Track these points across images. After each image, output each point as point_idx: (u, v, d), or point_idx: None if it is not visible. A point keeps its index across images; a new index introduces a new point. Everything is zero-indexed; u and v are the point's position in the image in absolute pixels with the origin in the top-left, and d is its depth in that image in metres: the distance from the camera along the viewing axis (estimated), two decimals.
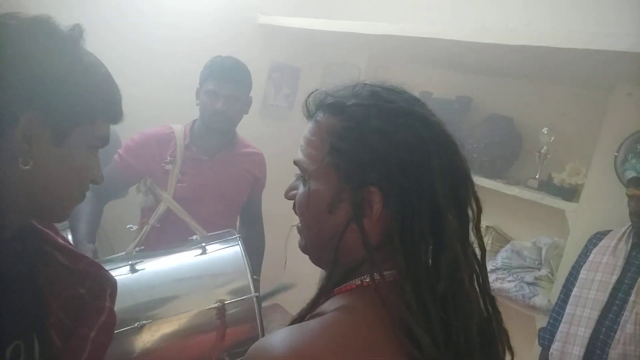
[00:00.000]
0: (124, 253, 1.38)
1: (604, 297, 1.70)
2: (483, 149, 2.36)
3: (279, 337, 0.53)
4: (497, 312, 0.62)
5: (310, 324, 0.55)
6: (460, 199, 0.59)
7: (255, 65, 2.90)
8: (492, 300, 0.62)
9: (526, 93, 2.40)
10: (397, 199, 0.56)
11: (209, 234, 1.47)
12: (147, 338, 1.16)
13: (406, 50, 2.58)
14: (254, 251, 1.83)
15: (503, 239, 2.38)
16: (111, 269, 1.22)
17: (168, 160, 1.62)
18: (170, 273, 1.31)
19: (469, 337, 0.55)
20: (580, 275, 1.79)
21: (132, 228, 1.66)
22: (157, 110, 2.11)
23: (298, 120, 2.18)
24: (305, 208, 0.62)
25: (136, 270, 1.26)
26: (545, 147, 2.20)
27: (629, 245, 1.71)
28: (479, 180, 2.31)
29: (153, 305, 1.20)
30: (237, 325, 1.23)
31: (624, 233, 1.74)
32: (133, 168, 1.64)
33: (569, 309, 1.78)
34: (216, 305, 1.21)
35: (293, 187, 0.66)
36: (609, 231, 1.81)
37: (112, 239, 1.92)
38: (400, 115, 0.58)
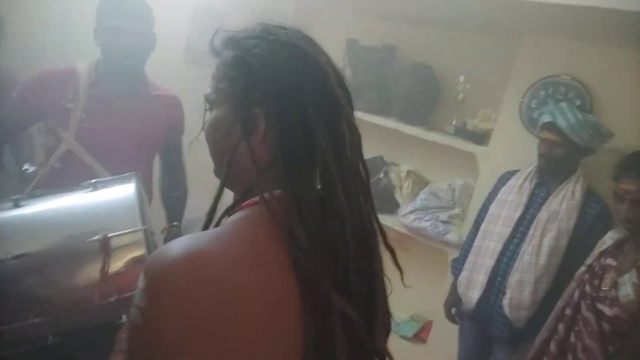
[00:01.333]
0: (19, 195, 1.25)
1: (507, 231, 1.85)
2: (406, 96, 2.42)
3: (175, 242, 0.58)
4: (373, 222, 0.69)
5: (207, 232, 0.61)
6: (331, 123, 0.64)
7: (178, 9, 2.75)
8: (370, 212, 0.69)
9: (445, 41, 2.46)
10: (276, 119, 0.63)
11: (105, 178, 1.36)
12: (19, 271, 1.08)
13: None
14: (175, 199, 1.79)
15: (422, 182, 2.50)
16: None
17: (70, 98, 1.50)
18: (55, 210, 1.21)
19: (344, 235, 0.63)
20: (489, 212, 1.92)
21: (28, 169, 1.55)
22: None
23: None
24: (208, 133, 0.70)
25: (19, 207, 1.18)
26: (461, 95, 2.29)
27: (533, 184, 1.86)
28: (401, 127, 2.38)
29: (31, 239, 1.12)
30: (124, 260, 1.14)
31: (529, 173, 1.87)
32: (32, 105, 1.51)
33: (476, 241, 1.92)
34: (98, 237, 1.11)
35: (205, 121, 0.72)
36: (516, 171, 1.94)
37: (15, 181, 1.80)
38: (281, 46, 0.65)
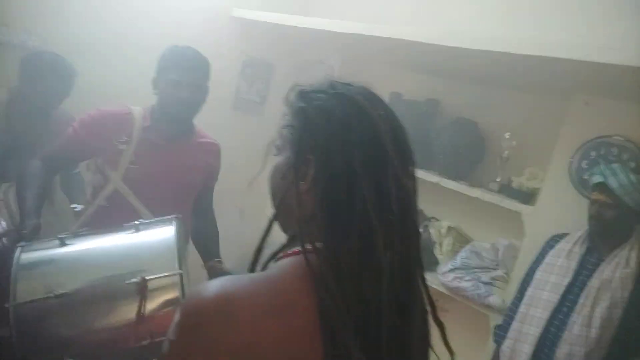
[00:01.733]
0: (66, 234, 1.29)
1: (555, 298, 1.73)
2: (449, 151, 2.38)
3: (214, 283, 0.61)
4: (417, 289, 0.67)
5: (244, 277, 0.64)
6: (379, 177, 0.64)
7: (228, 59, 2.89)
8: (412, 277, 0.66)
9: (490, 98, 2.43)
10: (323, 167, 0.65)
11: (151, 219, 1.40)
12: (58, 309, 1.10)
13: (379, 51, 2.59)
14: (210, 237, 1.81)
15: (464, 239, 2.41)
16: (42, 243, 1.21)
17: (123, 140, 1.57)
18: (98, 250, 1.26)
19: (379, 294, 0.61)
20: (535, 276, 1.82)
21: (76, 208, 1.62)
22: (130, 101, 2.07)
23: (269, 115, 2.18)
24: (270, 176, 0.74)
25: (65, 245, 1.21)
26: (506, 152, 2.23)
27: (584, 249, 1.75)
28: (443, 182, 2.34)
29: (74, 276, 1.15)
30: (159, 304, 1.16)
31: (579, 237, 1.78)
32: (85, 143, 1.59)
33: (522, 308, 1.81)
34: (136, 280, 1.12)
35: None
36: (565, 234, 1.85)
37: (63, 218, 1.86)
38: (339, 99, 0.69)
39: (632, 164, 1.80)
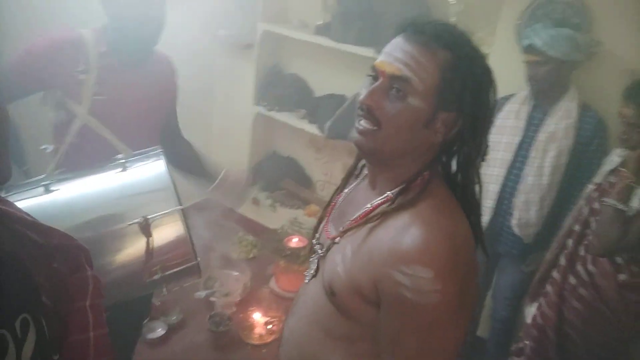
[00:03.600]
0: (43, 176, 1.25)
1: (509, 156, 1.94)
2: (395, 23, 2.37)
3: (444, 230, 0.74)
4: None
5: (452, 217, 0.78)
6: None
7: None
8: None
9: None
10: (473, 127, 0.79)
11: (134, 152, 1.37)
12: None
13: None
14: (194, 158, 1.77)
15: None
16: (24, 192, 1.17)
17: (81, 69, 1.42)
18: (89, 193, 1.23)
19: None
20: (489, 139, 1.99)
21: (47, 149, 1.51)
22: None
23: (198, 4, 1.94)
24: (403, 120, 0.77)
25: (50, 191, 1.18)
26: (454, 18, 2.27)
27: (530, 107, 1.92)
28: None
29: (73, 227, 1.12)
30: (165, 239, 1.21)
31: (525, 97, 1.93)
32: (36, 73, 1.42)
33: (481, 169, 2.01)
34: (138, 220, 1.16)
35: (381, 96, 0.77)
36: (510, 96, 1.99)
37: (30, 162, 1.75)
38: (484, 63, 0.79)
39: (577, 20, 1.91)
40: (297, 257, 2.54)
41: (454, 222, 0.77)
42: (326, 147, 3.05)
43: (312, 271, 0.93)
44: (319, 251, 0.92)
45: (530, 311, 1.80)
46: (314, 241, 0.96)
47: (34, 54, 1.42)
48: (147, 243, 1.16)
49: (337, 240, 0.86)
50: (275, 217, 3.04)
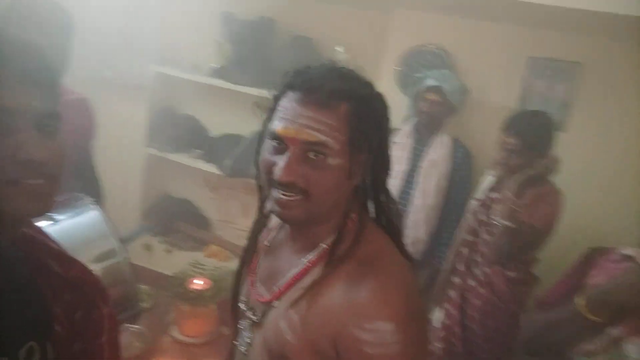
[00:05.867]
0: None
1: (399, 183, 2.24)
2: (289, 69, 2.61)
3: (398, 289, 0.75)
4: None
5: (402, 269, 0.81)
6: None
7: None
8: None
9: (322, 13, 2.69)
10: (379, 165, 0.84)
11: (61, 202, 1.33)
12: None
13: None
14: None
15: None
16: None
17: None
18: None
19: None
20: None
21: None
22: None
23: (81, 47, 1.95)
24: (330, 183, 0.77)
25: None
26: (342, 65, 2.57)
27: (413, 139, 2.27)
28: None
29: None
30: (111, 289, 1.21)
31: (409, 131, 2.28)
32: None
33: None
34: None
35: (299, 167, 0.76)
36: (396, 129, 2.31)
37: None
38: (378, 96, 0.84)
39: (444, 68, 2.32)
40: (202, 299, 2.51)
41: (399, 263, 0.80)
42: (222, 186, 3.12)
43: (247, 340, 0.89)
44: (252, 316, 0.88)
45: (438, 316, 2.05)
46: (242, 305, 0.92)
47: None
48: None
49: (275, 304, 0.83)
50: (172, 262, 2.98)
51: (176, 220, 3.16)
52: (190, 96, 3.08)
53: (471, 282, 1.97)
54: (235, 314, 0.94)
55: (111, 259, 1.20)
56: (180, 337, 2.54)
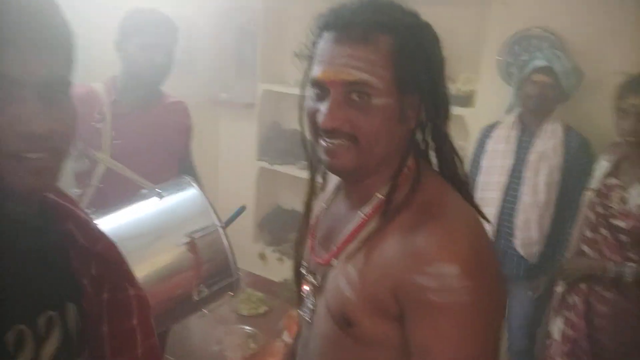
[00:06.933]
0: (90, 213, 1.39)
1: (505, 179, 2.08)
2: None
3: (465, 230, 0.70)
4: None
5: (467, 212, 0.75)
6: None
7: None
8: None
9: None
10: (434, 106, 0.76)
11: (157, 185, 1.51)
12: None
13: None
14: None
15: None
16: None
17: (97, 118, 1.61)
18: (133, 222, 1.35)
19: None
20: (482, 164, 2.15)
21: (77, 192, 1.66)
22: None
23: (201, 73, 2.22)
24: (378, 124, 0.71)
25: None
26: None
27: (518, 131, 2.10)
28: None
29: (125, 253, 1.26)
30: (208, 257, 1.33)
31: (512, 122, 2.11)
32: None
33: (478, 194, 2.14)
34: (187, 240, 1.28)
35: (343, 110, 0.71)
36: (496, 123, 2.18)
37: None
38: (425, 28, 0.76)
39: (555, 51, 2.13)
40: None
41: (462, 210, 0.74)
42: None
43: (310, 306, 0.85)
44: (314, 281, 0.84)
45: (558, 327, 1.84)
46: (303, 270, 0.88)
47: None
48: (196, 262, 1.28)
49: (333, 263, 0.79)
50: (284, 270, 3.11)
51: (287, 230, 3.31)
52: (294, 111, 3.23)
53: (596, 287, 1.74)
54: (299, 282, 0.90)
55: (209, 231, 1.32)
56: (291, 341, 2.63)
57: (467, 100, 2.46)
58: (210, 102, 3.29)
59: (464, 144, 2.50)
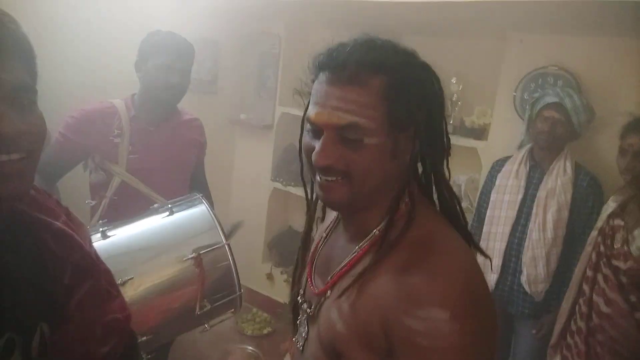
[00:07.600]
0: (100, 222, 1.46)
1: (513, 214, 2.09)
2: None
3: (462, 273, 0.69)
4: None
5: (464, 254, 0.75)
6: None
7: None
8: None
9: (433, 47, 2.71)
10: (429, 141, 0.77)
11: (169, 201, 1.58)
12: (130, 293, 1.27)
13: (323, 15, 2.80)
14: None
15: None
16: None
17: (116, 133, 1.69)
18: (144, 234, 1.43)
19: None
20: (491, 198, 2.16)
21: (91, 203, 1.73)
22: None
23: (222, 93, 2.34)
24: (370, 162, 0.73)
25: (107, 236, 1.36)
26: (455, 95, 2.56)
27: (528, 167, 2.11)
28: None
29: (132, 264, 1.31)
30: (213, 273, 1.39)
31: (523, 157, 2.13)
32: (78, 145, 1.69)
33: (485, 228, 2.15)
34: (193, 255, 1.35)
35: (336, 149, 0.73)
36: (507, 157, 2.19)
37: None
38: (418, 63, 0.77)
39: (569, 90, 2.15)
40: None
41: (457, 246, 0.74)
42: None
43: (303, 335, 0.86)
44: (308, 310, 0.85)
45: None
46: (299, 298, 0.90)
47: (75, 127, 1.69)
48: (201, 276, 1.33)
49: (327, 294, 0.81)
50: None
51: (296, 252, 3.34)
52: None
53: (593, 324, 1.71)
54: (295, 309, 0.92)
55: (215, 247, 1.38)
56: None
57: (481, 133, 2.48)
58: (230, 121, 3.38)
59: (477, 176, 2.52)
